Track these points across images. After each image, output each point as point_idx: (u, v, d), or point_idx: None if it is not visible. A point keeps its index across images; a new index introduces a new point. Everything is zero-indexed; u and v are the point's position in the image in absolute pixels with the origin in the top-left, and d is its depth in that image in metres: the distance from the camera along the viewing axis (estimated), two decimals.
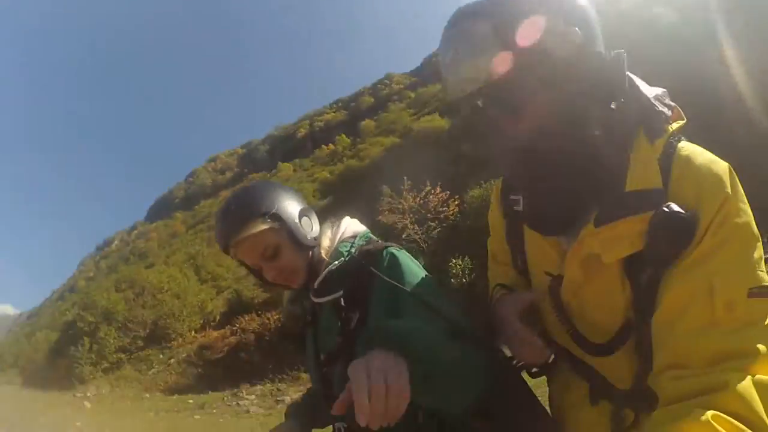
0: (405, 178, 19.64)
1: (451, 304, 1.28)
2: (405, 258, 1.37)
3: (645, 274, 0.96)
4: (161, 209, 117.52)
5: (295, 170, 74.74)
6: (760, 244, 0.89)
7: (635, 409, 1.01)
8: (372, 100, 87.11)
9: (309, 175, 62.42)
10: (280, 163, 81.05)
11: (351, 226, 1.58)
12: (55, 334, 40.92)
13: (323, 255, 1.46)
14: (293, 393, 12.38)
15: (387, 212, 19.77)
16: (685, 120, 1.04)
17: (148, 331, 31.50)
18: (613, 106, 1.01)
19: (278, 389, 14.40)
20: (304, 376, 14.93)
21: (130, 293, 36.82)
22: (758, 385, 0.78)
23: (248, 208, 1.37)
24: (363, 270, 1.34)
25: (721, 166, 0.94)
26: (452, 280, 14.67)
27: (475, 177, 18.75)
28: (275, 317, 19.13)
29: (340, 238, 1.50)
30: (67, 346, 28.62)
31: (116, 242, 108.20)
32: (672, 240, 0.91)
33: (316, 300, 1.39)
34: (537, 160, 1.02)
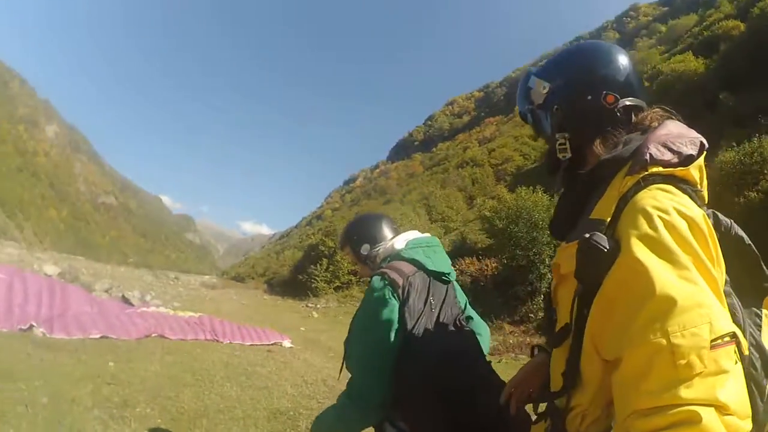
0: None
1: (361, 345, 2.04)
2: (371, 290, 2.01)
3: (579, 289, 1.08)
4: (401, 150, 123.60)
5: None
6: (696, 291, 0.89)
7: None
8: (617, 35, 79.20)
9: None
10: (516, 107, 79.22)
11: (385, 250, 2.29)
12: (299, 254, 47.54)
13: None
14: (496, 341, 12.48)
15: None
16: (688, 167, 1.09)
17: None
18: (618, 147, 1.18)
19: None
20: (507, 326, 14.97)
21: None
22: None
23: (342, 238, 2.51)
24: None
25: (654, 211, 0.98)
26: None
27: (729, 137, 15.41)
28: (493, 265, 19.26)
29: (378, 259, 2.30)
30: (308, 265, 33.45)
31: (360, 179, 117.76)
32: (585, 265, 1.02)
33: None
34: (561, 177, 1.34)
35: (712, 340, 0.83)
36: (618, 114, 1.24)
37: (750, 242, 1.15)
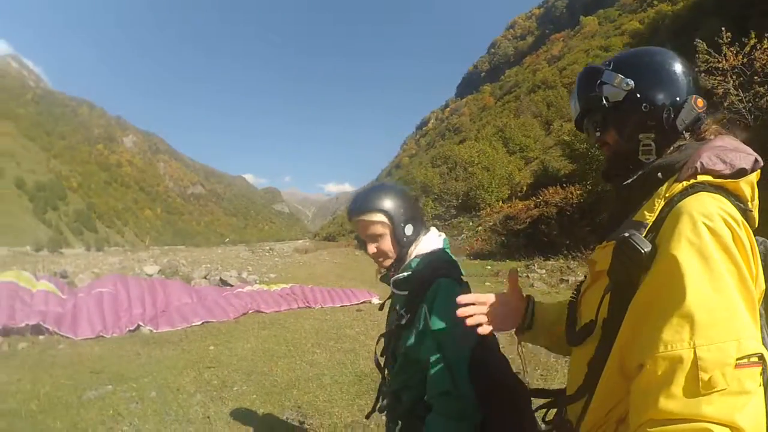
0: (723, 29, 15.10)
1: (458, 347, 1.62)
2: (445, 292, 1.67)
3: (610, 288, 1.09)
4: (469, 85, 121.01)
5: (600, 23, 68.27)
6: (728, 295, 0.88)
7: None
8: None
9: (616, 27, 56.57)
10: (581, 17, 74.99)
11: (427, 242, 1.91)
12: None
13: (410, 254, 1.88)
14: (582, 273, 12.12)
15: (703, 74, 15.67)
16: (738, 180, 1.07)
17: (459, 201, 34.70)
18: (670, 149, 1.19)
19: (568, 267, 13.90)
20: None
21: (444, 168, 40.42)
22: None
23: (373, 200, 1.83)
24: (420, 288, 1.73)
25: (699, 216, 0.96)
26: None
27: None
28: (578, 192, 18.46)
29: (416, 252, 1.87)
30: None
31: (432, 120, 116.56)
32: (620, 263, 1.04)
33: (392, 288, 1.86)
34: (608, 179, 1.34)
35: (737, 358, 0.82)
36: (700, 118, 1.21)
37: None
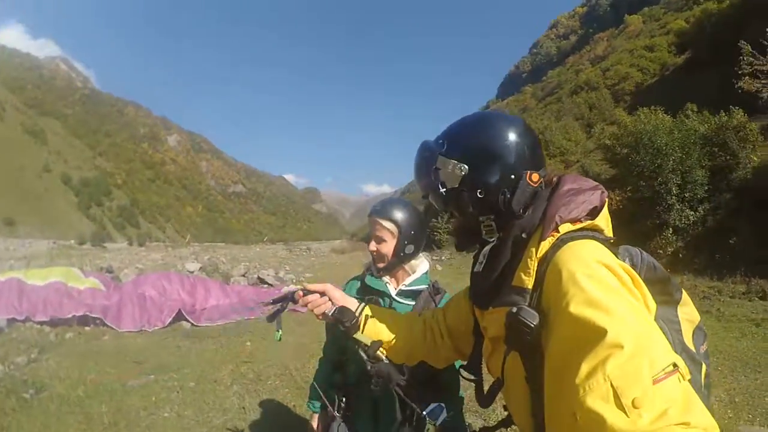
0: (767, 30, 14.82)
1: None
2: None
3: (508, 352, 1.12)
4: (510, 85, 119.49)
5: (644, 22, 66.69)
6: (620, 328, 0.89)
7: None
8: None
9: (661, 26, 55.15)
10: (626, 16, 73.42)
11: (424, 266, 2.23)
12: (421, 208, 47.99)
13: (406, 270, 2.18)
14: None
15: (747, 77, 15.74)
16: (595, 219, 1.15)
17: None
18: (528, 211, 1.20)
19: None
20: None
21: None
22: None
23: (394, 210, 2.11)
24: (431, 297, 2.15)
25: (576, 268, 1.00)
26: None
27: None
28: (617, 198, 18.11)
29: (420, 271, 2.20)
30: (430, 219, 33.22)
31: None
32: (515, 337, 1.05)
33: (395, 296, 2.15)
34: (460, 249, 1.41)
35: (653, 376, 0.84)
36: (537, 191, 1.22)
37: (658, 264, 1.20)
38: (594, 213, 1.15)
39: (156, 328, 8.87)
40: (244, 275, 16.45)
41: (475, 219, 1.26)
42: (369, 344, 1.56)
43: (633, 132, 16.86)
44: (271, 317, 1.69)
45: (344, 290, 2.12)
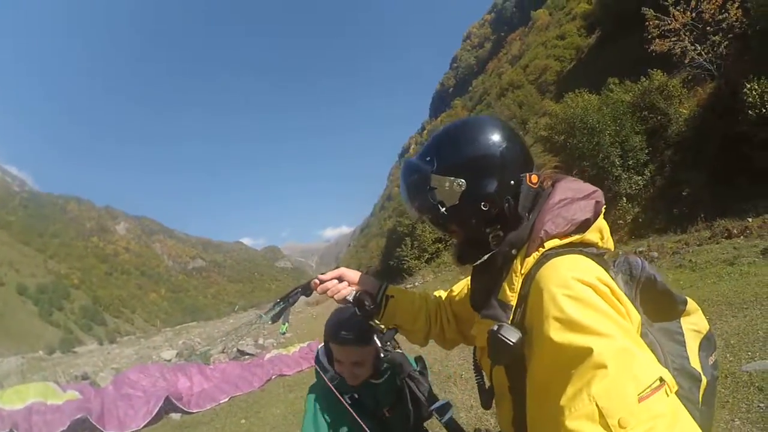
0: None
1: None
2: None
3: (493, 364, 1.15)
4: (441, 103, 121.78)
5: (550, 14, 69.41)
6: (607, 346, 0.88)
7: None
8: None
9: (566, 14, 57.40)
10: (532, 12, 76.29)
11: None
12: (383, 240, 48.49)
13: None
14: None
15: (657, 39, 16.67)
16: (584, 234, 1.11)
17: None
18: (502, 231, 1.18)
19: None
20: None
21: None
22: None
23: (362, 330, 1.73)
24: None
25: (557, 290, 0.97)
26: (748, 112, 11.60)
27: None
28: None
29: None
30: (393, 249, 34.00)
31: (412, 146, 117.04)
32: (496, 354, 1.05)
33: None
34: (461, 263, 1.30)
35: (638, 394, 0.83)
36: (539, 192, 1.19)
37: (659, 278, 1.15)
38: (585, 226, 1.11)
39: (146, 423, 8.53)
40: (223, 351, 16.12)
41: (481, 231, 1.21)
42: (384, 332, 1.55)
43: (565, 118, 17.50)
44: (277, 316, 1.63)
45: (309, 414, 1.87)
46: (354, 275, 1.59)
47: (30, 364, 35.02)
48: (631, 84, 17.34)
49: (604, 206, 1.15)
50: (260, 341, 17.73)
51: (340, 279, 1.58)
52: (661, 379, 0.86)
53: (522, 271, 1.08)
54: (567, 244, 1.10)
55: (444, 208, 1.20)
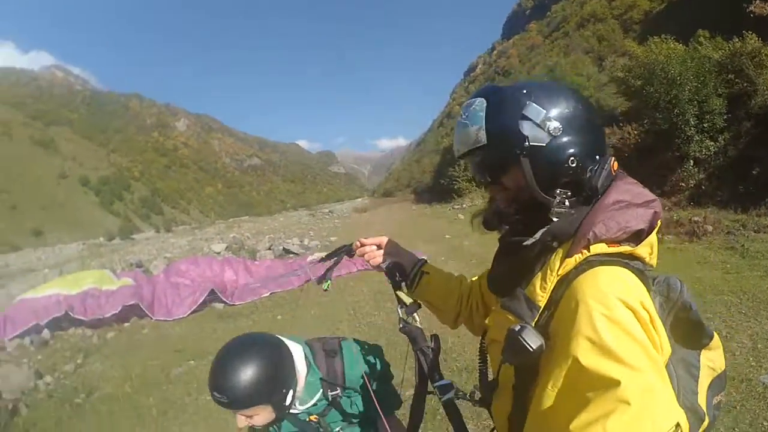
0: None
1: None
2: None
3: (503, 361, 1.06)
4: (515, 24, 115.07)
5: None
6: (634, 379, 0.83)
7: None
8: None
9: None
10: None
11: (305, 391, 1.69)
12: (437, 158, 48.04)
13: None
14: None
15: (758, 1, 15.23)
16: (636, 247, 1.01)
17: None
18: (571, 212, 1.05)
19: None
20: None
21: None
22: None
23: (244, 395, 1.43)
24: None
25: (595, 306, 0.90)
26: None
27: None
28: (635, 132, 17.34)
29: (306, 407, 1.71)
30: (447, 167, 33.65)
31: (480, 66, 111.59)
32: (512, 355, 0.98)
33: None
34: (491, 228, 1.19)
35: None
36: (611, 182, 1.07)
37: (695, 307, 1.06)
38: (637, 236, 1.00)
39: (191, 311, 9.17)
40: (269, 248, 16.73)
41: (550, 191, 1.05)
42: (408, 304, 1.53)
43: (645, 63, 16.08)
44: (322, 277, 1.66)
45: None
46: (392, 248, 1.65)
47: (90, 250, 37.26)
48: (723, 41, 15.71)
49: (660, 220, 1.03)
50: (305, 242, 18.24)
51: (380, 246, 1.64)
52: (678, 426, 0.81)
53: (559, 272, 1.00)
54: (615, 253, 1.00)
55: (527, 143, 1.03)
